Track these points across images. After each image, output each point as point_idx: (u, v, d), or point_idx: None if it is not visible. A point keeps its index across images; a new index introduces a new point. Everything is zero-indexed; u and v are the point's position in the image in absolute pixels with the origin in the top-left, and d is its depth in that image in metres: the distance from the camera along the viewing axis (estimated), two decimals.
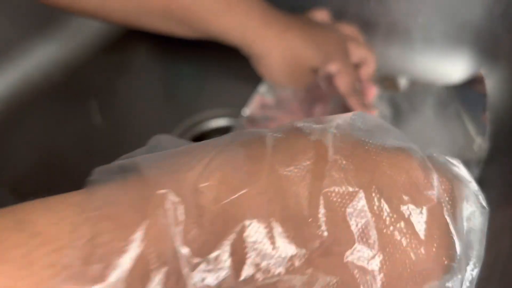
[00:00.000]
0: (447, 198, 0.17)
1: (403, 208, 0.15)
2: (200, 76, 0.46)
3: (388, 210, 0.15)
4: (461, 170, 0.19)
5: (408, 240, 0.15)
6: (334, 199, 0.15)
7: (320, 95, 0.40)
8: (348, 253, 0.15)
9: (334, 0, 0.45)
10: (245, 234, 0.14)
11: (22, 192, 0.36)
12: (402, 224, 0.15)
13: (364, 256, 0.15)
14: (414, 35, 0.45)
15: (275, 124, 0.41)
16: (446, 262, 0.16)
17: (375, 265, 0.15)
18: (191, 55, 0.46)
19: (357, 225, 0.15)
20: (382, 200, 0.15)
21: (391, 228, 0.15)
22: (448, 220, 0.16)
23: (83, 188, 0.15)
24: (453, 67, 0.44)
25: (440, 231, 0.16)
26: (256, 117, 0.41)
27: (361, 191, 0.15)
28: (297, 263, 0.14)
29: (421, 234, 0.15)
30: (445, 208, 0.16)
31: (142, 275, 0.13)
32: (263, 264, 0.14)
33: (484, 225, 0.17)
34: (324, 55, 0.38)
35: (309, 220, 0.15)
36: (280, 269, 0.14)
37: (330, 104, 0.41)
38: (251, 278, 0.14)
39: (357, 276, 0.15)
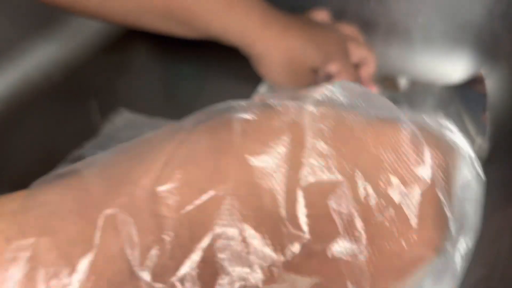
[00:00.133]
0: (441, 173, 0.15)
1: (392, 192, 0.14)
2: (200, 76, 0.46)
3: (375, 197, 0.14)
4: (456, 135, 0.17)
5: (398, 227, 0.14)
6: (314, 191, 0.14)
7: None
8: (332, 249, 0.14)
9: (334, 0, 0.45)
10: (216, 245, 0.13)
11: None
12: (391, 210, 0.14)
13: (350, 251, 0.14)
14: (414, 35, 0.45)
15: None
16: (439, 244, 0.15)
17: (363, 258, 0.14)
18: (191, 55, 0.46)
19: (341, 218, 0.14)
20: (368, 187, 0.14)
21: (379, 216, 0.14)
22: (442, 199, 0.15)
23: (22, 193, 0.13)
24: (453, 67, 0.44)
25: (434, 211, 0.15)
26: None
27: (343, 180, 0.14)
28: (276, 271, 0.13)
29: (413, 219, 0.14)
30: (438, 187, 0.15)
31: None
32: (239, 277, 0.13)
33: (480, 195, 0.16)
34: (324, 55, 0.38)
35: (287, 220, 0.13)
36: (258, 281, 0.13)
37: None
38: None
39: (344, 271, 0.14)
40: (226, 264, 0.13)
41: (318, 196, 0.14)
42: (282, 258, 0.13)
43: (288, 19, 0.38)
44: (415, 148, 0.15)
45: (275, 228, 0.13)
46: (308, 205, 0.13)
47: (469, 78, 0.40)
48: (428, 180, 0.15)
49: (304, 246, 0.13)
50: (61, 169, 0.14)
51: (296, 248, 0.13)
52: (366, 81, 0.42)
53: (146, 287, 0.12)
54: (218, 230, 0.13)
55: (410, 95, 0.42)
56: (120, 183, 0.13)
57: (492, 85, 0.41)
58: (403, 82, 0.43)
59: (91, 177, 0.13)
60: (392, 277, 0.14)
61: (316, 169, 0.14)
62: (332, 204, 0.14)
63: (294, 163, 0.14)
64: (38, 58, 0.46)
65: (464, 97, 0.40)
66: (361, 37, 0.42)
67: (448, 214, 0.15)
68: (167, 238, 0.12)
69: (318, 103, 0.15)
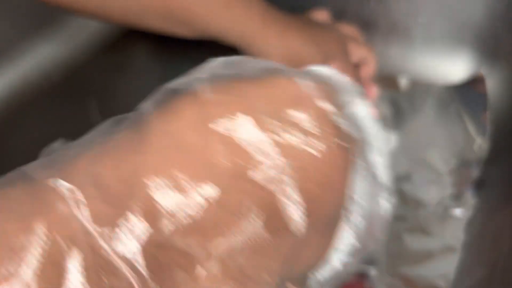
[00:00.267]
0: (328, 101, 0.18)
1: (292, 118, 0.16)
2: None
3: (278, 123, 0.16)
4: (335, 74, 0.20)
5: (307, 142, 0.16)
6: (223, 131, 0.16)
7: None
8: (256, 172, 0.15)
9: (334, 0, 0.45)
10: (151, 191, 0.14)
11: None
12: (297, 132, 0.16)
13: (273, 170, 0.16)
14: (414, 35, 0.45)
15: None
16: (350, 154, 0.17)
17: (287, 173, 0.16)
18: (191, 55, 0.46)
19: (253, 148, 0.16)
20: (269, 118, 0.16)
21: (287, 136, 0.16)
22: (337, 118, 0.17)
23: None
24: (453, 67, 0.44)
25: (333, 128, 0.17)
26: None
27: (248, 116, 0.16)
28: (212, 201, 0.15)
29: (318, 133, 0.17)
30: (330, 110, 0.17)
31: (57, 264, 0.13)
32: (179, 212, 0.14)
33: (367, 111, 0.19)
34: (324, 55, 0.38)
35: (210, 157, 0.15)
36: (197, 212, 0.15)
37: None
38: (171, 229, 0.14)
39: (274, 188, 0.15)
40: (164, 206, 0.14)
41: (227, 133, 0.16)
42: (216, 189, 0.15)
43: (288, 19, 0.38)
44: (301, 86, 0.18)
45: (201, 166, 0.15)
46: (222, 143, 0.16)
47: (470, 78, 0.40)
48: (319, 106, 0.17)
49: (234, 173, 0.15)
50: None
51: (224, 176, 0.15)
52: (366, 81, 0.42)
53: (100, 237, 0.14)
54: (150, 178, 0.15)
55: (410, 95, 0.42)
56: (60, 167, 0.15)
57: (492, 85, 0.41)
58: (403, 82, 0.43)
59: (32, 170, 0.15)
60: (316, 182, 0.17)
61: (222, 112, 0.16)
62: (241, 136, 0.16)
63: (201, 117, 0.16)
64: (38, 58, 0.46)
65: (464, 97, 0.40)
66: (361, 37, 0.42)
67: (346, 126, 0.18)
68: (109, 197, 0.14)
69: (207, 80, 0.17)
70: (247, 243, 0.15)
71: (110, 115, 0.18)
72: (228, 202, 0.15)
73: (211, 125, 0.16)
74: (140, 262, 0.14)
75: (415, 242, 0.32)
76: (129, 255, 0.14)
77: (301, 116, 0.17)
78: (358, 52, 0.40)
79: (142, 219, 0.14)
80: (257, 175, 0.15)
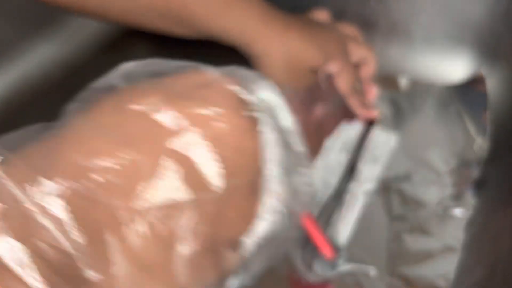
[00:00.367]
0: (235, 85, 0.20)
1: (202, 97, 0.18)
2: None
3: (189, 101, 0.18)
4: (248, 71, 0.22)
5: (217, 114, 0.18)
6: (139, 109, 0.17)
7: (320, 95, 0.40)
8: (172, 141, 0.17)
9: (334, 0, 0.45)
10: (71, 156, 0.16)
11: None
12: (206, 107, 0.18)
13: (188, 138, 0.17)
14: (414, 35, 0.44)
15: None
16: (259, 125, 0.19)
17: (200, 140, 0.17)
18: (191, 55, 0.46)
19: (167, 121, 0.17)
20: (181, 99, 0.18)
21: (197, 110, 0.18)
22: (244, 96, 0.19)
23: None
24: (453, 67, 0.44)
25: (240, 103, 0.19)
26: None
27: (161, 97, 0.18)
28: (131, 163, 0.16)
29: (226, 107, 0.18)
30: (237, 90, 0.19)
31: None
32: (99, 172, 0.16)
33: (274, 95, 0.21)
34: (324, 55, 0.38)
35: (127, 129, 0.17)
36: (117, 173, 0.16)
37: (330, 104, 0.41)
38: (93, 186, 0.16)
39: (189, 153, 0.17)
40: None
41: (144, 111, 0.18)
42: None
43: (288, 19, 0.38)
44: (211, 76, 0.20)
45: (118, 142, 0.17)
46: (130, 121, 0.18)
47: (470, 78, 0.40)
48: (227, 88, 0.19)
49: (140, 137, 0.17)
50: None
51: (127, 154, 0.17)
52: (366, 80, 0.42)
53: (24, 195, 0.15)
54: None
55: (411, 95, 0.42)
56: None
57: (492, 85, 0.41)
58: (403, 82, 0.43)
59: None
60: (228, 144, 0.18)
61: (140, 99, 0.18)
62: (157, 115, 0.17)
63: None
64: (38, 58, 0.46)
65: (464, 97, 0.40)
66: (361, 37, 0.42)
67: (250, 100, 0.19)
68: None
69: (124, 76, 0.19)
70: (171, 202, 0.16)
71: None
72: (146, 164, 0.16)
73: (127, 106, 0.18)
74: (59, 211, 0.15)
75: (415, 242, 0.32)
76: (48, 205, 0.15)
77: (210, 94, 0.19)
78: (358, 52, 0.40)
79: (62, 177, 0.16)
80: (173, 144, 0.17)
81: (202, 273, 0.17)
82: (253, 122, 0.19)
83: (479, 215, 0.33)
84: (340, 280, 0.31)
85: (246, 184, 0.18)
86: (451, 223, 0.33)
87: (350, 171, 0.37)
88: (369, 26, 0.45)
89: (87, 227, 0.15)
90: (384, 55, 0.44)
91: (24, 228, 0.15)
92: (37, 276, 0.14)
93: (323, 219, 0.34)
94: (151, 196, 0.16)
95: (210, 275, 0.18)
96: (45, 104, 0.43)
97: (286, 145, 0.20)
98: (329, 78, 0.39)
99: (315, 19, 0.41)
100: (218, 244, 0.18)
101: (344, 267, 0.32)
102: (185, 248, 0.17)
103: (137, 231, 0.16)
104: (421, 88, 0.42)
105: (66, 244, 0.15)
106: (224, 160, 0.18)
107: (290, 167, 0.20)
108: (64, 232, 0.15)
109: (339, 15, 0.44)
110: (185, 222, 0.17)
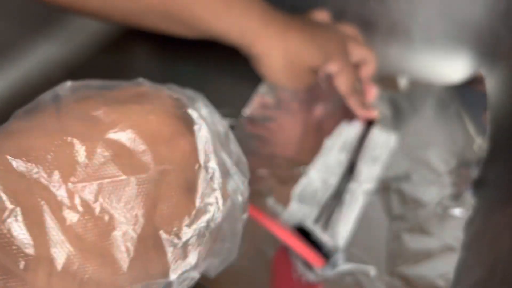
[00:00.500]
0: (170, 93, 0.21)
1: (137, 102, 0.19)
2: (200, 76, 0.46)
3: (123, 105, 0.19)
4: (182, 89, 0.23)
5: (147, 111, 0.19)
6: (77, 116, 0.18)
7: (320, 95, 0.40)
8: (108, 133, 0.18)
9: (335, 1, 0.45)
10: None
11: None
12: (138, 109, 0.19)
13: (122, 133, 0.18)
14: (414, 35, 0.45)
15: (275, 124, 0.41)
16: (191, 124, 0.20)
17: (131, 129, 0.18)
18: (191, 55, 0.46)
19: (103, 117, 0.18)
20: (116, 103, 0.19)
21: (128, 107, 0.19)
22: (177, 100, 0.21)
23: None
24: (453, 67, 0.44)
25: (173, 103, 0.20)
26: (256, 117, 0.41)
27: (98, 102, 0.19)
28: (63, 143, 0.17)
29: (157, 105, 0.20)
30: (169, 94, 0.21)
31: None
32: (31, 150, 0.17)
33: (212, 109, 0.22)
34: (324, 55, 0.38)
35: (64, 125, 0.18)
36: (51, 152, 0.17)
37: (330, 104, 0.41)
38: (30, 163, 0.16)
39: (120, 138, 0.18)
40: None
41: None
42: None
43: (288, 19, 0.38)
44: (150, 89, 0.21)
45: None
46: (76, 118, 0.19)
47: (469, 78, 0.40)
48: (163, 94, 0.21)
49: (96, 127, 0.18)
50: None
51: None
52: (366, 81, 0.42)
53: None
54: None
55: (410, 95, 0.42)
56: None
57: (492, 85, 0.41)
58: (403, 82, 0.43)
59: None
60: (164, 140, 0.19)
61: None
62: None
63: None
64: (38, 58, 0.46)
65: (464, 97, 0.40)
66: (361, 37, 0.42)
67: (183, 101, 0.21)
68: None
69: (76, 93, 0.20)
70: (107, 181, 0.17)
71: None
72: (83, 148, 0.17)
73: (68, 106, 0.19)
74: None
75: (414, 242, 0.32)
76: None
77: (147, 100, 0.20)
78: (358, 52, 0.40)
79: None
80: (109, 134, 0.18)
81: (145, 262, 0.18)
82: (188, 124, 0.20)
83: (479, 215, 0.33)
84: (340, 280, 0.31)
85: (181, 179, 0.19)
86: (450, 223, 0.33)
87: (350, 171, 0.37)
88: (369, 27, 0.45)
89: (25, 207, 0.16)
90: (384, 55, 0.44)
91: None
92: None
93: (323, 219, 0.34)
94: (88, 176, 0.17)
95: (154, 266, 0.18)
96: None
97: (222, 145, 0.21)
98: (329, 78, 0.39)
99: (315, 20, 0.41)
100: (157, 234, 0.18)
101: (344, 267, 0.32)
102: (125, 232, 0.17)
103: (76, 212, 0.16)
104: (420, 88, 0.42)
105: (2, 226, 0.15)
106: (156, 151, 0.18)
107: (228, 166, 0.21)
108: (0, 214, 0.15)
109: (339, 16, 0.44)
110: (123, 200, 0.17)
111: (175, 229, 0.19)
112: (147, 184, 0.18)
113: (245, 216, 0.22)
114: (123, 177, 0.17)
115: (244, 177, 0.22)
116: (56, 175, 0.16)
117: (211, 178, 0.20)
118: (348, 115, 0.40)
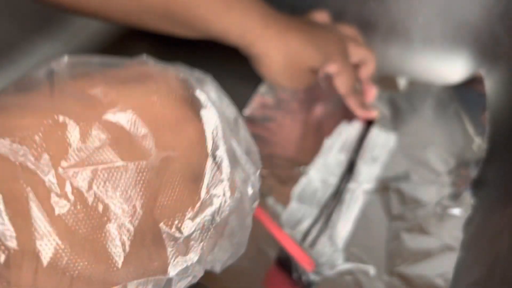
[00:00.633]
0: (176, 74, 0.20)
1: (141, 82, 0.18)
2: None
3: (126, 86, 0.17)
4: (189, 69, 0.21)
5: (153, 92, 0.18)
6: (76, 93, 0.17)
7: (320, 95, 0.41)
8: (108, 114, 0.16)
9: (334, 1, 0.45)
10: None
11: None
12: (141, 91, 0.17)
13: (123, 115, 0.16)
14: (413, 36, 0.45)
15: (275, 124, 0.41)
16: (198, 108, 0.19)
17: (133, 112, 0.17)
18: (191, 55, 0.46)
19: (102, 98, 0.17)
20: (120, 84, 0.18)
21: (135, 91, 0.17)
22: (183, 80, 0.19)
23: None
24: (452, 67, 0.44)
25: (179, 85, 0.19)
26: (256, 117, 0.41)
27: (100, 81, 0.17)
28: (57, 124, 0.15)
29: (163, 87, 0.18)
30: (176, 74, 0.19)
31: None
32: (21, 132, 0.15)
33: (220, 92, 0.21)
34: (324, 55, 0.38)
35: (60, 104, 0.16)
36: (42, 133, 0.15)
37: (330, 104, 0.41)
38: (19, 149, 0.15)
39: (125, 125, 0.16)
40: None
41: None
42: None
43: (287, 20, 0.38)
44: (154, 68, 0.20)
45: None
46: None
47: (468, 78, 0.40)
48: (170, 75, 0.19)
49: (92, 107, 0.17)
50: None
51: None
52: (365, 81, 0.42)
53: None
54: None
55: (410, 95, 0.42)
56: None
57: (491, 85, 0.41)
58: (402, 82, 0.43)
59: None
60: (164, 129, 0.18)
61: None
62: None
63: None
64: (39, 58, 0.46)
65: (463, 97, 0.40)
66: (360, 37, 0.42)
67: (190, 83, 0.19)
68: None
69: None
70: (102, 166, 0.15)
71: None
72: (77, 130, 0.15)
73: (64, 83, 0.17)
74: None
75: (414, 242, 0.32)
76: None
77: (152, 81, 0.18)
78: (357, 52, 0.40)
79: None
80: (107, 115, 0.16)
81: (142, 258, 0.16)
82: (196, 109, 0.18)
83: (478, 215, 0.33)
84: (339, 279, 0.31)
85: (186, 168, 0.17)
86: (450, 223, 0.33)
87: (349, 170, 0.37)
88: (368, 27, 0.45)
89: (8, 194, 0.14)
90: (383, 56, 0.44)
91: None
92: None
93: (322, 219, 0.34)
94: (81, 160, 0.15)
95: (152, 262, 0.17)
96: None
97: (232, 133, 0.20)
98: (329, 78, 0.39)
99: (314, 20, 0.41)
100: (157, 227, 0.17)
101: (343, 266, 0.32)
102: (120, 224, 0.15)
103: (67, 201, 0.15)
104: (420, 88, 0.42)
105: None
106: (159, 135, 0.17)
107: (238, 154, 0.19)
108: None
109: (339, 16, 0.44)
110: (119, 189, 0.16)
111: (176, 222, 0.17)
112: (148, 172, 0.16)
113: (255, 205, 0.20)
114: (121, 163, 0.16)
115: (255, 167, 0.20)
116: (45, 159, 0.15)
117: (219, 168, 0.18)
118: (347, 115, 0.40)
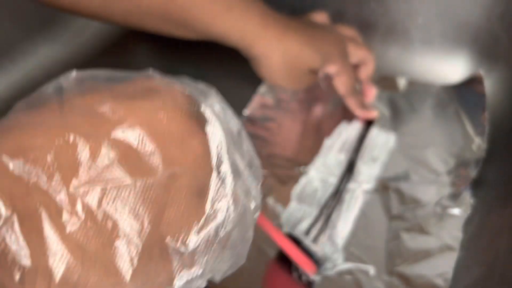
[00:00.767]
0: (180, 88, 0.19)
1: (148, 98, 0.18)
2: (200, 76, 0.46)
3: (133, 101, 0.18)
4: (194, 82, 0.21)
5: (159, 108, 0.18)
6: (82, 108, 0.17)
7: (320, 95, 0.41)
8: (115, 131, 0.17)
9: (334, 2, 0.46)
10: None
11: None
12: (148, 106, 0.18)
13: (130, 130, 0.17)
14: (413, 36, 0.45)
15: (275, 124, 0.41)
16: (203, 123, 0.19)
17: (140, 129, 0.17)
18: (191, 56, 0.46)
19: (109, 115, 0.17)
20: (125, 99, 0.18)
21: (142, 107, 0.17)
22: (188, 97, 0.19)
23: None
24: (452, 68, 0.44)
25: (185, 101, 0.19)
26: (256, 117, 0.41)
27: (105, 98, 0.18)
28: (66, 144, 0.16)
29: (170, 104, 0.18)
30: (181, 90, 0.19)
31: None
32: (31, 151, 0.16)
33: (225, 105, 0.21)
34: (323, 56, 0.38)
35: (67, 121, 0.17)
36: (54, 153, 0.16)
37: (329, 105, 0.41)
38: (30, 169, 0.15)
39: (131, 141, 0.17)
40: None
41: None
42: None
43: (287, 21, 0.38)
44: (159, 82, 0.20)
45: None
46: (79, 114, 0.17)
47: (468, 78, 0.40)
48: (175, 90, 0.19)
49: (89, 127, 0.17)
50: None
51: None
52: (365, 81, 0.42)
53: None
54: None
55: (409, 95, 0.42)
56: None
57: (490, 85, 0.41)
58: (402, 83, 0.43)
59: None
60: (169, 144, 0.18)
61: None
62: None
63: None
64: (40, 59, 0.46)
65: (463, 98, 0.40)
66: (360, 38, 0.42)
67: (195, 98, 0.19)
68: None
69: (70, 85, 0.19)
70: (111, 184, 0.16)
71: None
72: (86, 149, 0.16)
73: (72, 101, 0.17)
74: None
75: (413, 241, 0.32)
76: None
77: (158, 96, 0.18)
78: (357, 53, 0.40)
79: None
80: (115, 133, 0.16)
81: (149, 271, 0.17)
82: (201, 123, 0.19)
83: (477, 215, 0.33)
84: (339, 279, 0.31)
85: (192, 184, 0.18)
86: (449, 223, 0.33)
87: (349, 170, 0.37)
88: (368, 28, 0.45)
89: (22, 214, 0.15)
90: (383, 56, 0.44)
91: None
92: None
93: (322, 219, 0.34)
94: (91, 179, 0.16)
95: (158, 275, 0.17)
96: None
97: (235, 145, 0.20)
98: (328, 78, 0.39)
99: (314, 21, 0.41)
100: (164, 242, 0.17)
101: (343, 266, 0.32)
102: (129, 240, 0.16)
103: (77, 218, 0.15)
104: (419, 88, 0.42)
105: None
106: (166, 152, 0.17)
107: (241, 168, 0.20)
108: None
109: (338, 17, 0.44)
110: (128, 206, 0.16)
111: (182, 236, 0.17)
112: (155, 189, 0.17)
113: (256, 216, 0.21)
114: (129, 181, 0.16)
115: (257, 181, 0.21)
116: (57, 178, 0.15)
117: (223, 182, 0.19)
118: (347, 115, 0.40)
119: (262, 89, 0.42)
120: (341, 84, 0.39)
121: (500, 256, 0.30)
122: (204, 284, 0.19)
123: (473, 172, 0.35)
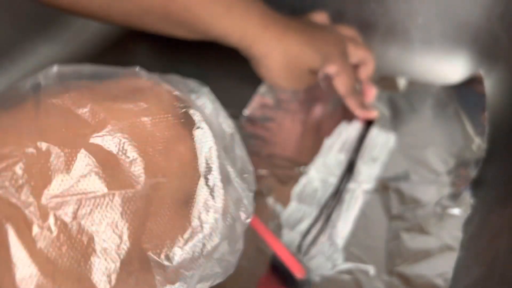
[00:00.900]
0: (168, 87, 0.18)
1: (132, 99, 0.17)
2: (200, 76, 0.46)
3: (115, 103, 0.17)
4: (184, 79, 0.21)
5: (142, 113, 0.17)
6: (62, 105, 0.16)
7: (320, 95, 0.41)
8: (95, 138, 0.16)
9: (334, 2, 0.46)
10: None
11: None
12: (131, 108, 0.17)
13: (111, 136, 0.16)
14: (413, 36, 0.45)
15: (275, 124, 0.41)
16: (191, 127, 0.18)
17: (121, 134, 0.16)
18: (191, 56, 0.46)
19: (88, 118, 0.16)
20: (108, 101, 0.17)
21: (124, 109, 0.16)
22: (176, 96, 0.18)
23: None
24: (452, 68, 0.44)
25: (172, 102, 0.18)
26: (256, 117, 0.41)
27: (88, 98, 0.16)
28: (41, 153, 0.15)
29: (155, 105, 0.17)
30: (169, 89, 0.18)
31: None
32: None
33: (217, 103, 0.20)
34: (323, 56, 0.38)
35: (43, 124, 0.15)
36: (26, 162, 0.14)
37: (329, 105, 0.41)
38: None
39: (113, 149, 0.16)
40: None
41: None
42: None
43: (287, 21, 0.38)
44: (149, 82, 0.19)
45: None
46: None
47: (468, 78, 0.40)
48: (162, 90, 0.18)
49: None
50: None
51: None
52: (365, 81, 0.42)
53: None
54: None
55: (409, 95, 0.42)
56: None
57: (491, 85, 0.41)
58: (402, 83, 0.43)
59: None
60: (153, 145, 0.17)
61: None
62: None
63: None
64: (40, 59, 0.46)
65: (463, 98, 0.40)
66: (360, 38, 0.42)
67: (183, 99, 0.18)
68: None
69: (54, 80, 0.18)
70: (87, 196, 0.15)
71: None
72: (61, 156, 0.15)
73: (49, 101, 0.16)
74: None
75: (413, 241, 0.32)
76: None
77: (144, 97, 0.17)
78: (357, 53, 0.40)
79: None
80: (93, 138, 0.15)
81: (131, 287, 0.16)
82: (189, 127, 0.18)
83: (477, 215, 0.33)
84: (339, 279, 0.31)
85: (176, 193, 0.17)
86: (449, 223, 0.33)
87: (349, 170, 0.37)
88: (367, 28, 0.45)
89: None
90: (383, 56, 0.44)
91: None
92: None
93: (322, 219, 0.34)
94: (65, 190, 0.15)
95: None
96: None
97: (226, 150, 0.19)
98: (328, 79, 0.39)
99: (314, 21, 0.41)
100: (145, 256, 0.16)
101: (343, 266, 0.32)
102: (106, 255, 0.15)
103: (49, 233, 0.14)
104: (419, 88, 0.42)
105: None
106: (149, 159, 0.16)
107: (232, 175, 0.19)
108: None
109: (338, 17, 0.44)
110: (106, 219, 0.15)
111: (165, 250, 0.16)
112: (136, 201, 0.15)
113: (247, 222, 0.20)
114: (107, 192, 0.15)
115: (248, 190, 0.19)
116: (26, 190, 0.14)
117: (211, 192, 0.17)
118: (347, 115, 0.40)
119: (262, 89, 0.42)
120: (341, 84, 0.39)
121: (500, 256, 0.30)
122: None
123: (473, 172, 0.35)
